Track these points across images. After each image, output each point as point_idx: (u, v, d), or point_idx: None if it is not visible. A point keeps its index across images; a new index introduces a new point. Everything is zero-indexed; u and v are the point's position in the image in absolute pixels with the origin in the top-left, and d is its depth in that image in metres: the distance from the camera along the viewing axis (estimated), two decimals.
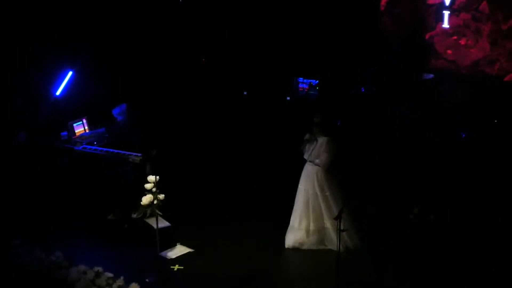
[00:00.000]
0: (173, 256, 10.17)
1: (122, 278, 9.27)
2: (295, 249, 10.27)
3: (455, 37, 14.20)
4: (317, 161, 10.04)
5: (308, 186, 10.12)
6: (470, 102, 13.43)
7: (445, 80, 14.06)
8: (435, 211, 10.80)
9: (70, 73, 12.92)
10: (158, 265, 9.78)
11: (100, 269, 9.48)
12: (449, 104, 13.58)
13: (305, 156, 10.16)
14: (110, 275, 9.38)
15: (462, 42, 14.18)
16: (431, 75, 14.30)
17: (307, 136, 10.11)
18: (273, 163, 13.22)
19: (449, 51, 14.34)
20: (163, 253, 10.16)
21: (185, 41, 14.80)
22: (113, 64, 13.99)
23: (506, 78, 13.59)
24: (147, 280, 9.41)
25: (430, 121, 13.25)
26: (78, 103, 12.99)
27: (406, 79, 14.13)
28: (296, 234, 10.28)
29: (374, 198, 11.59)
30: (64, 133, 11.87)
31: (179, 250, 10.34)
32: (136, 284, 9.13)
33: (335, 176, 10.12)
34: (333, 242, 10.02)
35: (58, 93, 12.86)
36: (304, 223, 10.18)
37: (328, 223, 10.12)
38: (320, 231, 10.20)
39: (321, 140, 9.99)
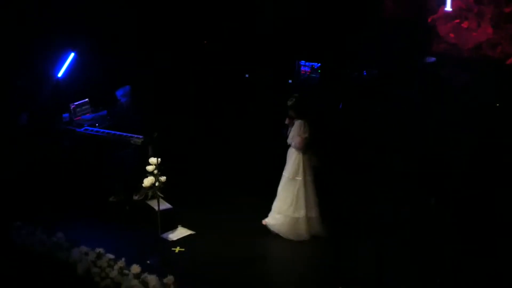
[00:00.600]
0: (175, 238, 10.21)
1: (123, 259, 9.31)
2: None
3: (457, 20, 14.14)
4: (292, 143, 10.05)
5: (290, 171, 10.13)
6: (472, 86, 13.40)
7: (447, 63, 14.03)
8: (436, 196, 10.84)
9: (72, 54, 12.89)
10: (160, 247, 9.82)
11: (101, 250, 9.52)
12: (451, 88, 13.55)
13: (287, 140, 10.19)
14: (112, 256, 9.43)
15: (464, 25, 14.12)
16: (433, 59, 14.25)
17: (287, 121, 10.11)
18: (275, 146, 13.21)
19: (451, 34, 14.28)
20: (164, 235, 10.19)
21: (187, 23, 14.75)
22: (116, 46, 13.96)
23: (508, 61, 13.54)
24: (148, 261, 9.45)
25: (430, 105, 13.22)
26: (80, 85, 12.96)
27: (407, 62, 14.08)
28: (277, 220, 10.33)
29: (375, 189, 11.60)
30: (66, 115, 11.87)
31: (181, 232, 10.38)
32: (138, 266, 9.16)
33: (316, 160, 10.14)
34: (316, 230, 10.17)
35: (60, 75, 12.84)
36: (287, 210, 10.20)
37: (312, 212, 10.17)
38: (302, 219, 10.18)
39: (296, 123, 9.99)
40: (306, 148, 10.01)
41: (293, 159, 10.09)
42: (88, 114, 11.98)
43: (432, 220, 10.48)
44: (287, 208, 10.17)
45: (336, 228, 10.39)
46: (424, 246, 9.88)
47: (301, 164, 10.04)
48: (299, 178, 10.07)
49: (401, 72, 13.95)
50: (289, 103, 9.97)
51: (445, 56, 14.24)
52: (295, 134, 9.96)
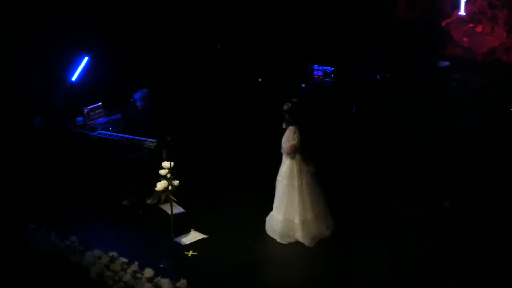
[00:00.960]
0: (187, 242, 10.21)
1: (136, 263, 9.33)
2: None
3: (471, 25, 14.14)
4: (282, 149, 10.06)
5: (283, 175, 10.14)
6: (485, 90, 13.37)
7: (460, 67, 14.01)
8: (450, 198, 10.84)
9: (86, 58, 12.94)
10: (172, 250, 9.84)
11: (114, 254, 9.55)
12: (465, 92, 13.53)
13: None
14: (125, 260, 9.44)
15: (478, 29, 14.11)
16: (447, 63, 14.24)
17: (284, 125, 10.10)
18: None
19: (465, 39, 14.28)
20: (177, 239, 10.21)
21: (201, 27, 14.80)
22: (130, 50, 14.02)
23: None
24: (161, 265, 9.46)
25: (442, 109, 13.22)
26: (94, 88, 13.01)
27: (421, 66, 14.07)
28: (272, 224, 10.34)
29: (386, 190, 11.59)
30: (80, 119, 11.91)
31: (193, 236, 10.38)
32: (151, 269, 9.18)
33: (308, 166, 10.10)
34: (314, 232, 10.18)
35: (73, 78, 12.89)
36: (284, 215, 10.18)
37: (308, 215, 10.14)
38: (296, 222, 10.15)
39: (288, 129, 9.98)
40: (296, 154, 9.97)
41: (286, 164, 10.11)
42: (101, 118, 11.99)
43: (446, 222, 10.50)
44: (282, 213, 10.18)
45: (342, 229, 10.39)
46: (435, 248, 9.88)
47: (294, 169, 10.03)
48: (292, 182, 10.06)
49: (414, 75, 13.94)
50: (285, 107, 9.95)
51: (459, 60, 14.22)
52: (285, 139, 9.97)
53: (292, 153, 9.96)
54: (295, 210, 10.08)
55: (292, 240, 10.18)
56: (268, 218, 10.41)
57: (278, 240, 10.19)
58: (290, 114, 9.93)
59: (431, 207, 10.84)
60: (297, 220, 10.09)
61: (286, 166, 10.09)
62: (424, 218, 10.60)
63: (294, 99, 10.00)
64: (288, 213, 10.12)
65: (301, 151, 9.97)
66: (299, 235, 10.15)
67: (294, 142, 9.87)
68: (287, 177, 10.07)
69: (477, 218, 10.50)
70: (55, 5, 12.77)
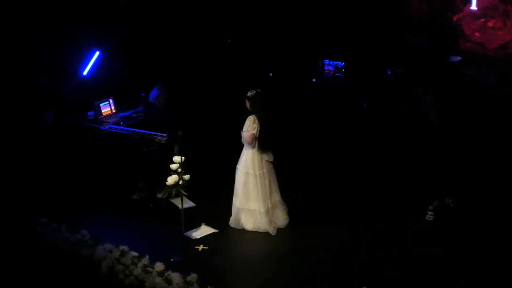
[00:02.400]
0: (198, 236, 10.23)
1: (147, 257, 9.36)
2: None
3: (483, 19, 14.06)
4: (242, 138, 10.15)
5: (243, 164, 10.25)
6: (497, 85, 13.31)
7: (472, 62, 13.94)
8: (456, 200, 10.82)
9: (97, 53, 12.96)
10: (183, 245, 9.86)
11: (125, 248, 9.58)
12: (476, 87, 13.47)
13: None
14: (135, 254, 9.48)
15: (490, 24, 14.03)
16: (458, 58, 14.17)
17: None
18: (297, 145, 13.22)
19: (476, 34, 14.20)
20: (187, 233, 10.23)
21: (210, 20, 14.78)
22: (141, 45, 14.03)
23: None
24: (171, 259, 9.49)
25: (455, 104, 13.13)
26: (105, 83, 13.03)
27: (432, 61, 14.00)
28: (237, 215, 10.49)
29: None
30: (91, 113, 11.94)
31: (204, 231, 10.40)
32: (161, 264, 9.21)
33: (267, 155, 10.21)
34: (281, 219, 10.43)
35: (85, 73, 12.91)
36: (241, 203, 10.32)
37: (268, 203, 10.30)
38: (260, 211, 10.29)
39: (248, 118, 10.07)
40: (256, 143, 10.07)
41: (246, 153, 10.20)
42: (126, 112, 12.03)
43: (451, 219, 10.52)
44: (245, 202, 10.29)
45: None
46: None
47: (254, 158, 10.12)
48: (253, 171, 10.15)
49: (425, 71, 13.87)
50: (249, 94, 10.02)
51: (470, 55, 14.16)
52: (245, 129, 10.04)
53: (252, 143, 10.03)
54: (257, 198, 10.19)
55: (267, 230, 10.32)
56: (233, 211, 10.53)
57: (249, 230, 10.36)
58: (251, 102, 10.01)
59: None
60: (262, 209, 10.22)
61: (246, 155, 10.19)
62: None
63: (258, 90, 10.06)
64: (245, 202, 10.24)
65: (260, 141, 10.04)
66: (263, 223, 10.28)
67: (254, 132, 9.96)
68: (247, 166, 10.17)
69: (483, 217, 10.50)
70: (66, 1, 12.79)
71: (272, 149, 10.26)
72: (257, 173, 10.14)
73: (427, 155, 11.50)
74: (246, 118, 10.08)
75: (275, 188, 10.42)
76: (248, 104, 10.06)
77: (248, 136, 10.00)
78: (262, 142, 10.08)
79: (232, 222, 10.50)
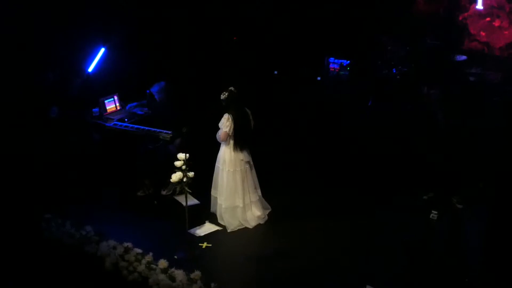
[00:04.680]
0: (202, 234, 10.25)
1: (150, 254, 9.39)
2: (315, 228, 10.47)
3: (488, 19, 14.05)
4: (217, 135, 10.22)
5: (221, 161, 10.34)
6: (503, 84, 13.27)
7: (477, 61, 13.91)
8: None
9: (103, 49, 12.97)
10: (187, 242, 9.86)
11: (129, 244, 9.60)
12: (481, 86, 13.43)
13: None
14: (139, 250, 9.50)
15: (496, 23, 14.02)
16: (464, 57, 14.15)
17: None
18: (302, 143, 13.21)
19: (482, 33, 14.18)
20: (191, 231, 10.24)
21: (216, 18, 14.78)
22: (146, 42, 14.03)
23: None
24: (175, 256, 9.51)
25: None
26: (110, 79, 13.04)
27: (438, 60, 13.98)
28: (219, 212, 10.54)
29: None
30: (96, 110, 11.95)
31: (208, 228, 10.41)
32: (165, 261, 9.23)
33: (243, 152, 10.28)
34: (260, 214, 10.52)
35: (90, 69, 12.93)
36: (225, 200, 10.38)
37: (246, 199, 10.39)
38: (240, 207, 10.38)
39: (223, 116, 10.13)
40: (231, 140, 10.16)
41: (223, 150, 10.29)
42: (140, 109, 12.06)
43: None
44: (224, 199, 10.35)
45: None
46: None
47: (230, 155, 10.21)
48: (230, 168, 10.22)
49: (431, 70, 13.85)
50: (221, 97, 10.10)
51: (476, 54, 14.13)
52: (220, 126, 10.11)
53: (226, 141, 10.13)
54: (237, 194, 10.29)
55: (248, 225, 10.45)
56: (213, 201, 10.63)
57: (232, 227, 10.43)
58: (225, 102, 10.12)
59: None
60: (240, 203, 10.30)
61: (223, 152, 10.27)
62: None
63: (231, 88, 10.12)
64: (233, 199, 10.32)
65: (234, 139, 10.13)
66: (242, 219, 10.38)
67: (227, 130, 10.03)
68: (225, 163, 10.25)
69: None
70: None
71: (248, 148, 10.35)
72: (234, 170, 10.23)
73: (433, 153, 11.49)
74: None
75: (252, 188, 10.46)
76: (223, 104, 10.15)
77: (221, 133, 10.10)
78: (236, 141, 10.16)
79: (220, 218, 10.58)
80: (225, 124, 10.03)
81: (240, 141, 10.19)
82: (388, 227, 10.36)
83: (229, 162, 10.21)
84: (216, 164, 10.41)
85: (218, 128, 10.14)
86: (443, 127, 11.42)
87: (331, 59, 14.58)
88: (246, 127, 10.22)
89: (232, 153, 10.19)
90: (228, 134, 10.06)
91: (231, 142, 10.17)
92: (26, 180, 11.32)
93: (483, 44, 14.20)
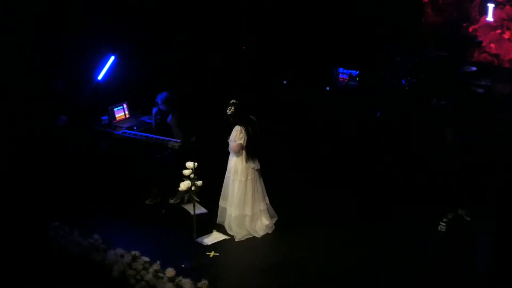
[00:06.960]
0: (209, 243, 10.24)
1: (158, 262, 9.37)
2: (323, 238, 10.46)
3: (499, 31, 14.05)
4: (229, 147, 10.24)
5: (231, 171, 10.35)
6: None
7: (487, 73, 13.89)
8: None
9: (112, 58, 13.00)
10: (194, 251, 9.87)
11: (137, 253, 9.59)
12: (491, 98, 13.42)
13: None
14: (147, 259, 9.48)
15: (506, 35, 14.01)
16: (474, 68, 14.14)
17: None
18: (311, 151, 13.21)
19: (492, 45, 14.18)
20: (199, 239, 10.23)
21: (226, 28, 14.81)
22: (156, 50, 14.06)
23: None
24: (183, 265, 9.50)
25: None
26: (119, 88, 13.07)
27: (447, 71, 13.97)
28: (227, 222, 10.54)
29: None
30: (105, 118, 11.98)
31: (215, 237, 10.40)
32: (172, 269, 9.21)
33: (254, 162, 10.31)
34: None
35: (100, 77, 12.95)
36: (234, 210, 10.37)
37: (256, 208, 10.40)
38: (248, 216, 10.39)
39: (234, 128, 10.15)
40: (243, 152, 10.18)
41: (233, 160, 10.29)
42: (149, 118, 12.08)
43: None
44: (234, 208, 10.34)
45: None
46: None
47: (241, 165, 10.23)
48: (240, 178, 10.23)
49: (440, 81, 13.85)
50: (228, 112, 10.12)
51: (485, 66, 14.13)
52: (232, 138, 10.12)
53: (240, 152, 10.16)
54: (245, 203, 10.31)
55: (247, 236, 10.44)
56: (220, 212, 10.62)
57: (240, 237, 10.41)
58: (232, 116, 10.13)
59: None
60: (249, 212, 10.31)
61: (235, 163, 10.28)
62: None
63: (233, 100, 10.15)
64: (241, 208, 10.32)
65: (247, 149, 10.16)
66: (250, 228, 10.40)
67: (241, 142, 10.08)
68: (236, 173, 10.27)
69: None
70: (82, 4, 12.84)
71: (258, 157, 10.37)
72: (243, 179, 10.25)
73: (441, 166, 11.47)
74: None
75: (261, 196, 10.48)
76: (231, 119, 10.18)
77: (234, 146, 10.12)
78: (249, 151, 10.19)
79: (228, 227, 10.57)
80: (239, 136, 10.06)
81: (252, 150, 10.20)
82: (396, 238, 10.33)
83: (241, 172, 10.22)
84: (227, 174, 10.41)
85: (226, 139, 10.15)
86: (451, 143, 11.42)
87: (340, 69, 14.59)
88: (257, 136, 10.23)
89: (244, 163, 10.21)
90: (243, 146, 10.08)
91: (243, 152, 10.17)
92: (33, 188, 11.32)
93: (493, 56, 14.20)
